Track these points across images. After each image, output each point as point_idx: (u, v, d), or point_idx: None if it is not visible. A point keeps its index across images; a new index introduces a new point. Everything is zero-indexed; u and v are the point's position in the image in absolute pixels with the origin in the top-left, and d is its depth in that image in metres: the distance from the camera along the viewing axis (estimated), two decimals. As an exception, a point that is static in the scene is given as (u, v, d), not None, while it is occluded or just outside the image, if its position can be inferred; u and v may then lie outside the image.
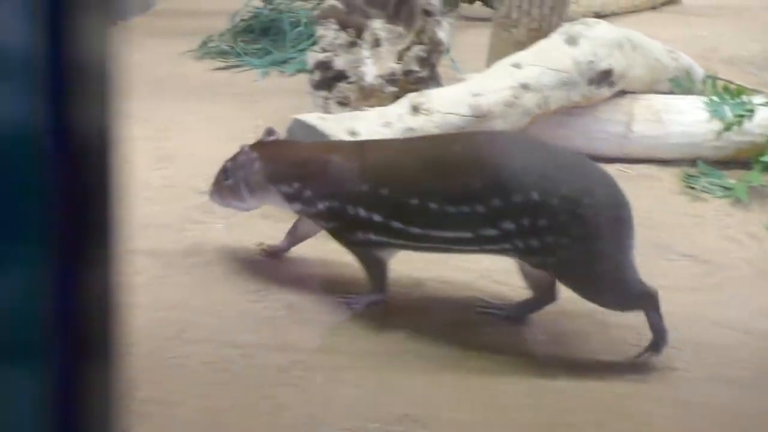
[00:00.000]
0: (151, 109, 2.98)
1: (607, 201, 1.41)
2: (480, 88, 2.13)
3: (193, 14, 5.24)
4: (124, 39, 3.72)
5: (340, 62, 2.40)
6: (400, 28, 2.28)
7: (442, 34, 2.36)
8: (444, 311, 1.63)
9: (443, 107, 2.05)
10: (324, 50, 2.54)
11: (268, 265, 1.76)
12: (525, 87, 2.16)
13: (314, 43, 3.58)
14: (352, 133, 1.95)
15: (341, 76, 2.42)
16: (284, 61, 3.72)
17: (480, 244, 1.45)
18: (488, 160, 1.44)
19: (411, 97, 2.07)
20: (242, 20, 4.41)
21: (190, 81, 3.43)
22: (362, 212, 1.49)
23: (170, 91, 3.23)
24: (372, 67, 2.16)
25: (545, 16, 2.53)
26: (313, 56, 2.48)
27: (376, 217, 1.48)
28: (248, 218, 1.96)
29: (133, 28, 4.57)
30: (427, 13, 2.45)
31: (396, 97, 2.27)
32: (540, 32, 2.54)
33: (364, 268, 1.57)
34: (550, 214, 1.36)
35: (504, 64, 2.22)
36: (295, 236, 1.76)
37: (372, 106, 2.18)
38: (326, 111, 2.44)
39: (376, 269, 1.57)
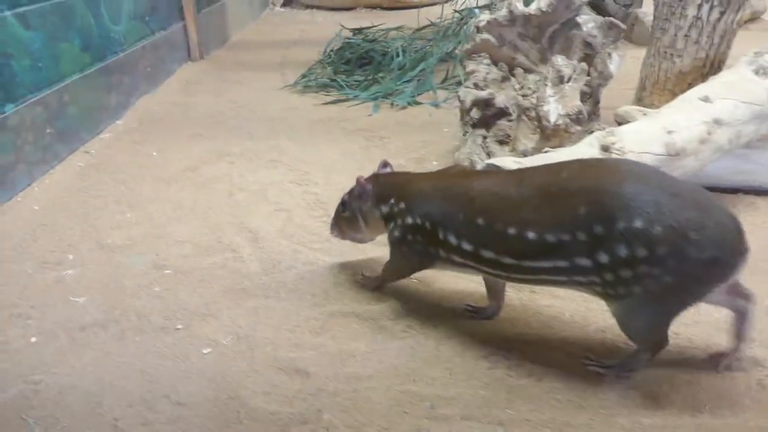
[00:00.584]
0: (283, 150, 2.90)
1: (713, 241, 1.26)
2: (672, 125, 1.98)
3: (268, 46, 5.21)
4: (219, 76, 3.66)
5: (501, 99, 2.27)
6: (583, 65, 2.14)
7: (612, 67, 2.22)
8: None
9: (636, 146, 1.91)
10: (476, 86, 2.42)
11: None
12: (718, 122, 2.01)
13: (416, 74, 3.50)
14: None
15: (502, 113, 2.29)
16: (391, 93, 3.61)
17: (571, 275, 1.34)
18: (595, 184, 1.31)
19: (599, 136, 1.93)
20: (331, 51, 4.33)
21: (306, 117, 3.34)
22: (452, 239, 1.46)
23: (292, 130, 3.14)
24: (557, 105, 2.02)
25: (714, 45, 2.38)
26: (468, 93, 2.36)
27: (466, 246, 1.44)
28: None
29: (219, 63, 4.53)
30: (588, 45, 2.32)
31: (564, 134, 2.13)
32: (706, 62, 2.39)
33: (390, 267, 1.68)
34: (651, 244, 1.25)
35: (690, 97, 2.08)
36: (495, 292, 1.66)
37: (555, 146, 2.05)
38: (485, 150, 2.31)
39: (400, 275, 1.68)
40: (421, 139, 2.95)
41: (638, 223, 1.26)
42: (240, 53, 4.95)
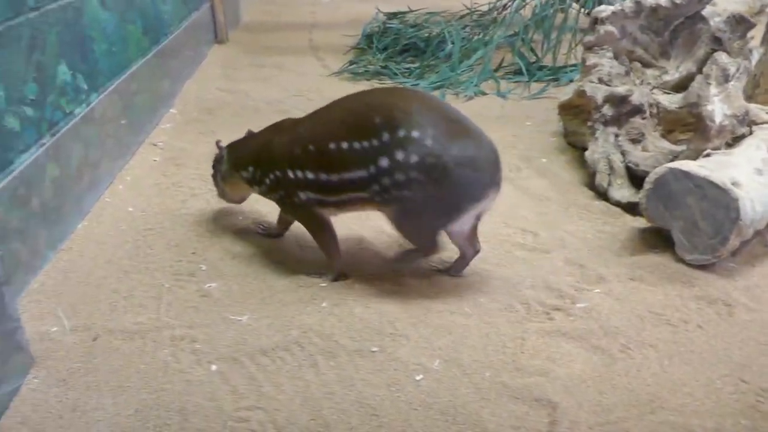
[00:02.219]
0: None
1: (474, 163, 1.51)
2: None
3: (284, 28, 4.99)
4: (253, 61, 3.45)
5: (636, 96, 2.17)
6: (746, 63, 2.05)
7: (753, 63, 2.15)
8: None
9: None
10: (601, 81, 2.30)
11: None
12: None
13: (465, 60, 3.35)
14: (735, 183, 1.73)
15: (636, 110, 2.19)
16: (451, 82, 3.46)
17: (367, 186, 1.55)
18: (390, 101, 1.55)
19: (766, 138, 1.86)
20: (366, 36, 4.16)
21: None
22: (299, 174, 1.63)
23: None
24: (722, 105, 1.93)
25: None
26: (598, 89, 2.24)
27: (309, 175, 1.61)
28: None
29: (244, 46, 4.28)
30: (716, 41, 2.23)
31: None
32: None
33: (313, 236, 1.75)
34: (422, 152, 1.49)
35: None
36: (282, 221, 1.90)
37: (715, 147, 1.96)
38: (618, 148, 2.21)
39: (323, 235, 1.72)
40: (510, 133, 2.83)
41: (415, 133, 1.49)
42: (259, 36, 4.70)
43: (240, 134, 1.98)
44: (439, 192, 1.51)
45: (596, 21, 2.35)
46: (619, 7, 2.29)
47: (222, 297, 1.68)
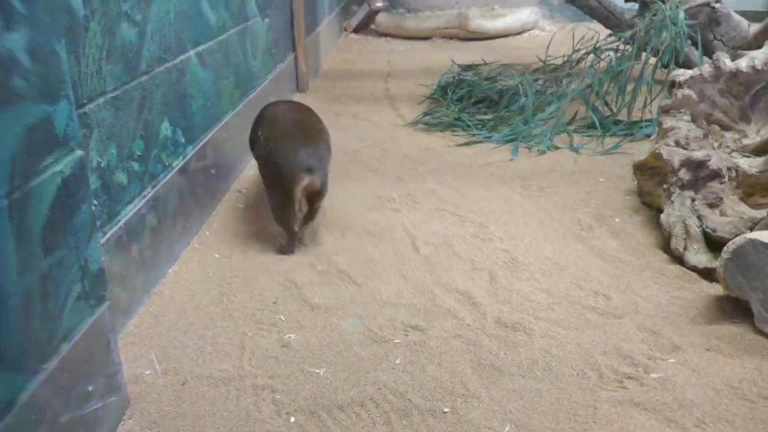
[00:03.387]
0: (441, 196, 2.78)
1: (289, 157, 2.13)
2: None
3: (360, 76, 5.15)
4: (331, 109, 3.58)
5: (715, 161, 2.14)
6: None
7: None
8: None
9: None
10: (678, 144, 2.29)
11: None
12: None
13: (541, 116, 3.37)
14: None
15: (714, 175, 2.16)
16: (524, 135, 3.49)
17: None
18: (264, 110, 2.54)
19: None
20: (441, 87, 4.25)
21: (445, 159, 3.24)
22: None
23: (438, 173, 3.04)
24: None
25: None
26: (675, 152, 2.22)
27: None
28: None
29: (323, 94, 4.44)
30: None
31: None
32: None
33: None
34: (265, 144, 2.29)
35: None
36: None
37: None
38: (694, 212, 2.17)
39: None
40: (583, 190, 2.83)
41: (260, 132, 2.35)
42: (336, 84, 4.87)
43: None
44: (269, 177, 2.28)
45: (674, 84, 2.35)
46: (698, 72, 2.29)
47: (300, 348, 1.75)
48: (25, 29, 1.09)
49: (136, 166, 1.91)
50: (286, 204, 2.13)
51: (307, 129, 2.29)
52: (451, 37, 6.82)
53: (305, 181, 2.12)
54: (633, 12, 4.46)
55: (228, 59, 2.81)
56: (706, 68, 2.31)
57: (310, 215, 2.25)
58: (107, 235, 1.71)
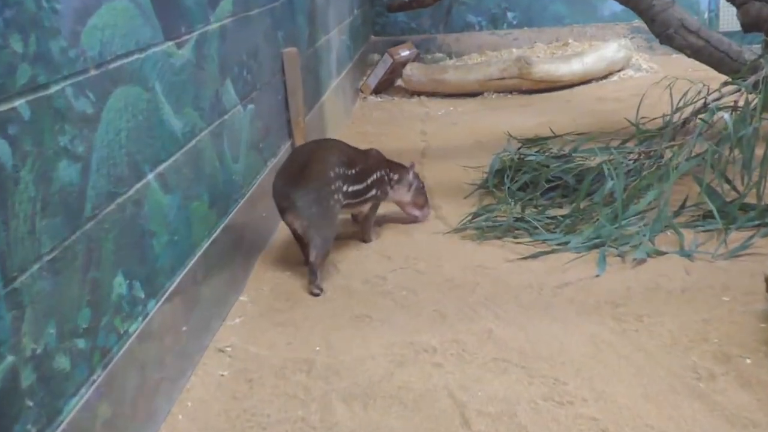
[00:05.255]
0: (499, 339, 2.90)
1: (277, 192, 3.60)
2: None
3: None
4: None
5: None
6: None
7: None
8: None
9: None
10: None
11: None
12: None
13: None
14: None
15: None
16: (614, 238, 3.58)
17: None
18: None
19: None
20: (497, 171, 4.41)
21: (504, 281, 3.37)
22: None
23: (495, 304, 3.17)
24: None
25: None
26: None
27: None
28: None
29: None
30: None
31: None
32: None
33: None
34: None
35: None
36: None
37: None
38: None
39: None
40: (699, 317, 2.91)
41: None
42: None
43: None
44: None
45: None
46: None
47: None
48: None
49: (81, 343, 2.09)
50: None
51: (305, 168, 3.49)
52: (509, 91, 7.08)
53: (286, 218, 3.51)
54: (756, 51, 4.61)
55: (199, 172, 3.04)
56: None
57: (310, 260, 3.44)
58: (47, 444, 1.88)
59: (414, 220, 4.15)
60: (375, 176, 3.87)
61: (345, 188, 3.62)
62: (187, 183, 2.91)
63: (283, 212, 3.46)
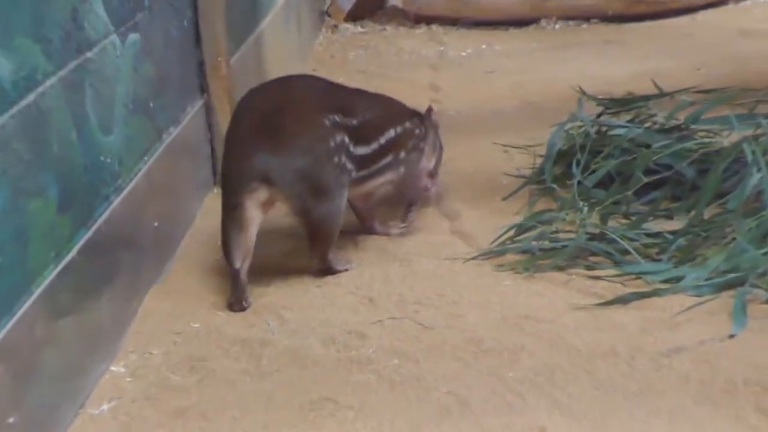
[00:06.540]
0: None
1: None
2: None
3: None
4: None
5: None
6: None
7: None
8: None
9: None
10: None
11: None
12: None
13: None
14: None
15: None
16: (758, 274, 3.43)
17: None
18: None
19: None
20: (558, 153, 4.32)
21: (568, 344, 3.23)
22: None
23: (551, 383, 3.02)
24: None
25: None
26: None
27: None
28: None
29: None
30: None
31: None
32: None
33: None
34: None
35: None
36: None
37: None
38: None
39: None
40: None
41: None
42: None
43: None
44: None
45: None
46: None
47: None
48: None
49: None
50: (223, 222, 3.26)
51: (281, 124, 3.31)
52: (585, 17, 6.96)
53: (260, 194, 3.26)
54: None
55: (42, 150, 2.85)
56: None
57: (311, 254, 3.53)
58: None
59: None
60: (392, 133, 3.78)
61: (350, 147, 3.51)
62: (19, 168, 2.70)
63: (270, 183, 3.29)
